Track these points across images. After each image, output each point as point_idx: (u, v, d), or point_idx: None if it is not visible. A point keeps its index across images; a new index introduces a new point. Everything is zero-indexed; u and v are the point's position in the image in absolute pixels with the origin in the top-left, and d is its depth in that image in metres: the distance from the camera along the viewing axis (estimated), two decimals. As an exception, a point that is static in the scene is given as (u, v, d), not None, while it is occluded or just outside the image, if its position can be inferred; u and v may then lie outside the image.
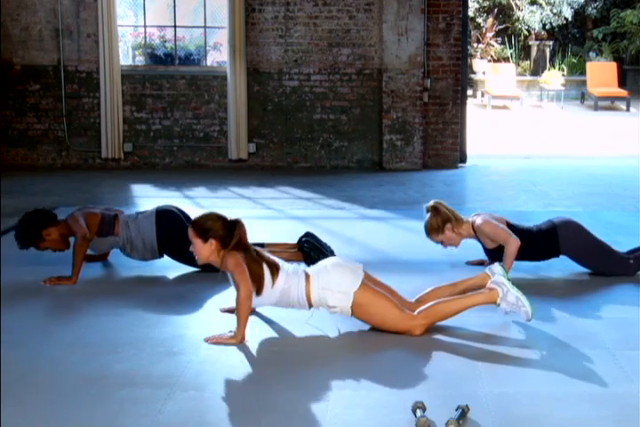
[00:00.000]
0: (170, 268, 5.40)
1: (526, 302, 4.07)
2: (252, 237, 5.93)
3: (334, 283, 4.04)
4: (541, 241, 5.12)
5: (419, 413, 3.12)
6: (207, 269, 5.19)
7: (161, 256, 5.36)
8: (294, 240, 5.48)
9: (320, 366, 3.73)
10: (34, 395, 3.40)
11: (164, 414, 3.21)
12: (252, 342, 3.99)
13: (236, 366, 3.72)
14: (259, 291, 4.05)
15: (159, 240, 5.24)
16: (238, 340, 3.97)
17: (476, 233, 5.11)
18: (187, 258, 5.06)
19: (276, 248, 5.28)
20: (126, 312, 4.66)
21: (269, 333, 4.17)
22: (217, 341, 3.97)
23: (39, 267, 5.36)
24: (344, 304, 4.05)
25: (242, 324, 3.99)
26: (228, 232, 4.08)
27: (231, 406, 3.30)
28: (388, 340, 4.03)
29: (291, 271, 4.14)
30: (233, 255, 4.04)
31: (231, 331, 4.04)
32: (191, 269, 5.32)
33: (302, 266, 4.24)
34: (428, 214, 5.11)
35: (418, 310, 4.10)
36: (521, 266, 5.20)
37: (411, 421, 3.12)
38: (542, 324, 4.24)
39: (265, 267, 4.07)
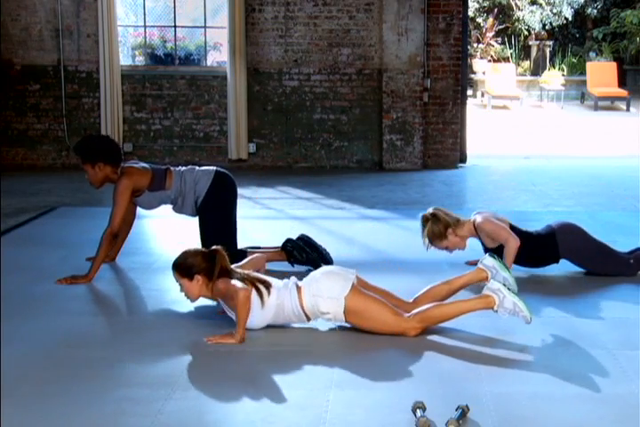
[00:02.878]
0: (170, 268, 5.39)
1: (523, 307, 4.03)
2: (251, 237, 5.95)
3: (324, 289, 4.05)
4: (540, 246, 5.11)
5: (419, 413, 3.12)
6: None
7: (196, 213, 5.29)
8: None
9: (320, 366, 3.73)
10: (34, 395, 3.40)
11: (164, 415, 3.21)
12: (252, 342, 3.99)
13: (236, 366, 3.72)
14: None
15: (206, 196, 5.20)
16: (238, 340, 3.96)
17: (477, 232, 5.10)
18: (215, 223, 5.13)
19: (259, 251, 5.21)
20: (126, 312, 4.66)
21: (269, 333, 4.16)
22: (217, 341, 3.97)
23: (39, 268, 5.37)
24: (336, 310, 4.05)
25: (241, 324, 3.99)
26: (210, 264, 4.11)
27: (231, 406, 3.30)
28: (388, 340, 4.03)
29: (281, 286, 4.15)
30: (223, 282, 4.07)
31: (231, 331, 4.04)
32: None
33: (292, 278, 4.22)
34: (428, 223, 5.05)
35: (413, 312, 4.09)
36: (521, 266, 5.19)
37: (411, 421, 3.12)
38: (542, 324, 4.24)
39: (252, 289, 4.06)
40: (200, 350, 3.91)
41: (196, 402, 3.33)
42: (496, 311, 4.07)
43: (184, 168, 5.33)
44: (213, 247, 4.22)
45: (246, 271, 4.22)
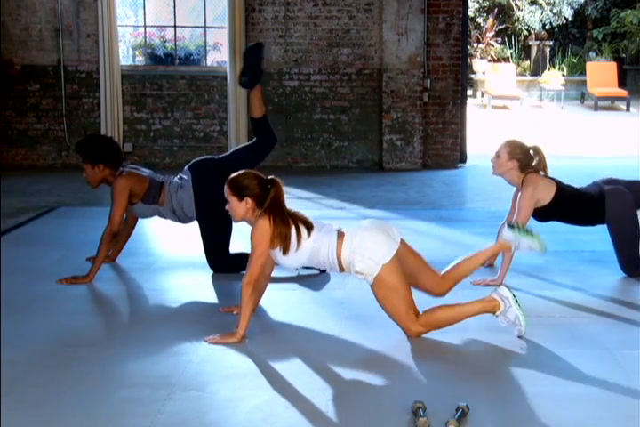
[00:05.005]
0: (170, 268, 5.40)
1: (524, 323, 4.03)
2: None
3: (367, 249, 3.95)
4: (588, 206, 5.10)
5: (419, 413, 3.12)
6: (219, 270, 5.21)
7: (196, 219, 5.29)
8: None
9: (320, 366, 3.73)
10: (34, 395, 3.40)
11: (164, 415, 3.21)
12: (252, 342, 3.99)
13: (236, 366, 3.72)
14: (285, 252, 4.01)
15: (197, 210, 5.18)
16: (238, 339, 3.96)
17: (522, 184, 5.07)
18: (213, 228, 5.14)
19: None
20: (126, 312, 4.66)
21: (269, 332, 4.16)
22: (217, 341, 3.97)
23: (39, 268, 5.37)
24: (370, 272, 3.96)
25: (243, 323, 3.97)
26: (263, 191, 4.03)
27: (231, 406, 3.30)
28: (389, 340, 4.03)
29: (323, 230, 4.05)
30: (260, 226, 3.97)
31: (231, 331, 4.03)
32: (192, 270, 5.32)
33: (336, 225, 4.12)
34: (526, 143, 5.18)
35: (421, 314, 4.07)
36: (521, 266, 5.20)
37: (411, 421, 3.12)
38: (542, 324, 4.24)
39: (293, 228, 3.99)
40: (200, 349, 3.91)
41: (196, 402, 3.33)
42: (496, 317, 4.06)
43: (173, 183, 5.22)
44: (272, 177, 4.11)
45: (294, 210, 4.12)
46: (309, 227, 4.03)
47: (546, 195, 5.03)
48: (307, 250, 4.02)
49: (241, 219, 4.13)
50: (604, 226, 5.18)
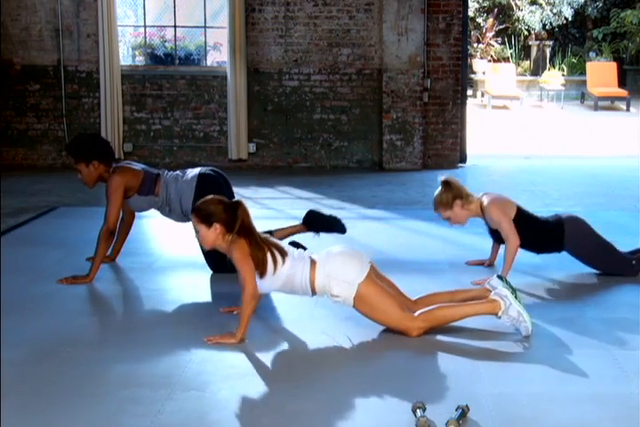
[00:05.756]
0: (170, 268, 5.40)
1: (527, 318, 4.03)
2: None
3: (340, 272, 4.02)
4: (547, 232, 5.09)
5: (419, 413, 3.12)
6: (220, 270, 5.21)
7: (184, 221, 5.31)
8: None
9: (320, 366, 3.73)
10: (34, 395, 3.40)
11: (164, 415, 3.21)
12: (252, 342, 3.99)
13: (236, 366, 3.72)
14: (261, 275, 4.03)
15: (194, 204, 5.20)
16: (238, 340, 3.96)
17: (483, 212, 5.08)
18: None
19: (284, 231, 5.29)
20: (126, 312, 4.66)
21: (269, 333, 4.16)
22: (217, 341, 3.97)
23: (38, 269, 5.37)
24: (347, 294, 4.02)
25: (244, 324, 3.98)
26: (230, 215, 4.05)
27: (231, 406, 3.30)
28: (388, 340, 4.03)
29: (296, 256, 4.10)
30: (239, 246, 4.00)
31: (231, 331, 4.03)
32: (192, 270, 5.32)
33: (308, 251, 4.21)
34: (438, 190, 5.07)
35: (419, 312, 4.09)
36: (521, 266, 5.19)
37: (411, 421, 3.12)
38: (543, 324, 4.24)
39: (268, 253, 4.03)
40: (200, 349, 3.90)
41: (196, 402, 3.33)
42: (499, 318, 4.06)
43: (172, 174, 5.27)
44: (236, 199, 4.17)
45: (265, 235, 4.18)
46: (283, 253, 4.08)
47: (509, 210, 5.02)
48: (282, 276, 4.06)
49: (212, 246, 4.16)
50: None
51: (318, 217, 5.33)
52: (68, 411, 3.24)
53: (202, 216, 4.09)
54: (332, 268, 4.04)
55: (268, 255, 4.03)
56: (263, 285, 4.06)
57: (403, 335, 4.05)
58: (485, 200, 5.07)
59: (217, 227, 4.06)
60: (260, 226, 6.50)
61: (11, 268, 5.27)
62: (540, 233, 5.08)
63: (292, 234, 5.30)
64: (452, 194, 5.02)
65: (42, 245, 5.99)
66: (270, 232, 5.27)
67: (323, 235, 5.31)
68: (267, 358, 3.82)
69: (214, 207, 4.08)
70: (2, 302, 4.51)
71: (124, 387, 3.46)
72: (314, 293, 4.12)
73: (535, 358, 3.81)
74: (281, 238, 5.06)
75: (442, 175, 5.14)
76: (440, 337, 4.06)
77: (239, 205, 4.09)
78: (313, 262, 4.08)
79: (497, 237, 5.12)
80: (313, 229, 5.31)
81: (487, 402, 3.30)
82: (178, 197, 5.19)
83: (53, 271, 5.19)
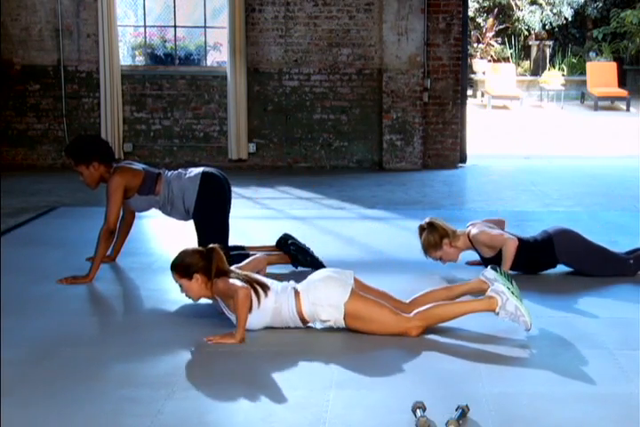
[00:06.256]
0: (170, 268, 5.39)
1: (525, 312, 4.02)
2: (251, 237, 5.95)
3: (323, 297, 4.05)
4: (538, 251, 5.10)
5: (419, 413, 3.12)
6: None
7: (191, 218, 5.29)
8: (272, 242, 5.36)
9: (320, 366, 3.73)
10: (34, 395, 3.40)
11: (164, 415, 3.21)
12: (252, 342, 3.99)
13: (236, 366, 3.72)
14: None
15: (196, 205, 5.20)
16: (238, 340, 3.96)
17: (472, 244, 5.10)
18: (211, 226, 5.16)
19: (258, 251, 5.21)
20: (126, 312, 4.66)
21: (269, 333, 4.16)
22: (217, 341, 3.97)
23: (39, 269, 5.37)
24: (336, 317, 4.05)
25: (241, 324, 3.99)
26: (208, 262, 4.13)
27: (231, 406, 3.30)
28: (388, 340, 4.03)
29: (280, 290, 4.14)
30: (224, 282, 4.08)
31: (231, 331, 4.04)
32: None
33: (291, 282, 4.22)
34: (424, 232, 5.10)
35: (415, 312, 4.09)
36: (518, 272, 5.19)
37: (411, 421, 3.12)
38: (542, 324, 4.24)
39: (250, 290, 4.06)
40: (200, 350, 3.91)
41: (196, 402, 3.33)
42: (497, 314, 4.05)
43: (174, 173, 5.30)
44: (210, 246, 4.22)
45: (245, 272, 4.23)
46: (264, 287, 4.11)
47: (496, 242, 5.02)
48: (269, 310, 4.09)
49: (199, 297, 4.22)
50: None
51: (303, 253, 5.25)
52: (67, 411, 3.24)
53: (181, 270, 4.17)
54: (315, 295, 4.06)
55: (251, 291, 4.06)
56: (252, 321, 4.07)
57: (403, 336, 4.05)
58: (473, 230, 5.10)
59: (197, 277, 4.14)
60: (260, 227, 6.52)
61: (11, 268, 5.27)
62: (532, 253, 5.09)
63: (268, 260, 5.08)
64: (439, 234, 5.07)
65: (42, 245, 5.99)
66: (242, 248, 5.27)
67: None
68: (266, 357, 3.82)
69: (190, 258, 4.17)
70: (2, 302, 4.51)
71: (124, 387, 3.46)
72: (304, 322, 4.14)
73: (535, 358, 3.81)
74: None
75: (425, 218, 5.16)
76: (440, 338, 4.07)
77: (213, 250, 4.17)
78: (297, 293, 4.11)
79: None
80: (293, 262, 5.23)
81: (487, 402, 3.30)
82: (181, 193, 5.19)
83: (53, 271, 5.19)
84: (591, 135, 13.53)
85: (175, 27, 10.11)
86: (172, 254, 5.71)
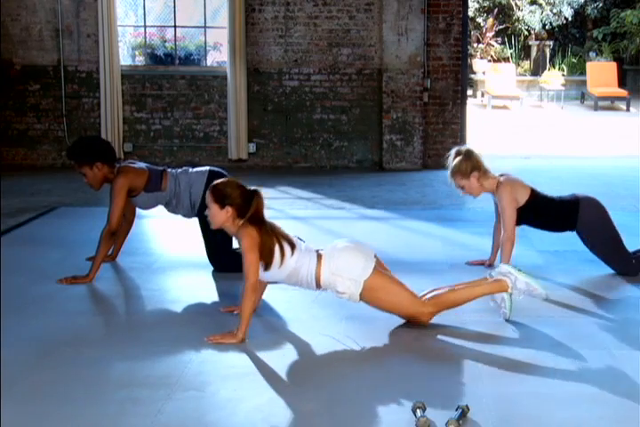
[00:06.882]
0: (170, 268, 5.40)
1: (537, 285, 4.12)
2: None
3: (345, 270, 4.02)
4: (561, 211, 5.10)
5: (419, 413, 3.12)
6: (221, 269, 5.22)
7: (196, 215, 5.28)
8: None
9: (320, 366, 3.73)
10: (34, 395, 3.40)
11: (164, 414, 3.21)
12: (252, 342, 3.99)
13: (236, 366, 3.72)
14: (267, 267, 4.03)
15: (204, 197, 5.20)
16: (239, 339, 3.96)
17: (496, 190, 5.10)
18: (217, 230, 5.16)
19: None
20: (126, 312, 4.66)
21: (269, 332, 4.16)
22: (217, 341, 3.97)
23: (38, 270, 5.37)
24: (353, 291, 4.04)
25: (244, 322, 3.97)
26: (245, 202, 4.06)
27: (230, 407, 3.30)
28: (388, 340, 4.03)
29: (304, 249, 4.10)
30: (249, 234, 3.99)
31: (231, 331, 4.03)
32: (192, 270, 5.32)
33: (314, 246, 4.18)
34: (459, 157, 5.11)
35: (427, 297, 4.13)
36: (521, 267, 5.18)
37: (411, 421, 3.12)
38: (542, 324, 4.24)
39: (277, 245, 4.02)
40: (200, 349, 3.90)
41: (196, 402, 3.33)
42: (511, 294, 4.12)
43: (179, 169, 5.33)
44: (254, 188, 4.15)
45: (277, 226, 4.15)
46: (292, 245, 4.07)
47: (520, 196, 5.05)
48: (288, 268, 4.06)
49: (219, 226, 4.16)
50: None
51: None
52: (67, 411, 3.24)
53: (217, 196, 4.08)
54: (336, 265, 4.03)
55: (277, 247, 4.02)
56: (267, 274, 4.05)
57: (403, 336, 4.05)
58: (502, 179, 5.09)
59: (229, 210, 4.06)
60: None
61: (11, 268, 5.27)
62: (555, 213, 5.11)
63: None
64: (472, 165, 5.08)
65: (42, 245, 5.99)
66: None
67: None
68: (266, 358, 3.82)
69: (231, 191, 4.09)
70: (2, 302, 4.51)
71: (124, 387, 3.46)
72: (318, 287, 4.12)
73: (535, 358, 3.81)
74: None
75: (465, 145, 5.19)
76: (440, 337, 4.07)
77: (256, 193, 4.09)
78: (319, 257, 4.07)
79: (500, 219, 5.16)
80: None
81: (487, 402, 3.30)
82: (188, 186, 5.19)
83: (53, 271, 5.19)
84: (591, 135, 13.53)
85: (175, 27, 10.11)
86: (173, 254, 5.75)
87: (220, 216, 4.08)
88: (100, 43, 9.55)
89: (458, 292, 4.17)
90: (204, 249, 5.33)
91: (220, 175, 5.29)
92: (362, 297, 4.07)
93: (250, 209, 4.04)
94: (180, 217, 5.43)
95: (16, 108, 9.84)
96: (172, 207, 5.31)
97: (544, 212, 5.06)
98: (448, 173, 5.16)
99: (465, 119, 10.05)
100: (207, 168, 5.32)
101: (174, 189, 5.21)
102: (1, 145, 9.83)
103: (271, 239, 4.02)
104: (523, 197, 5.06)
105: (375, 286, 4.03)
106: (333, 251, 4.10)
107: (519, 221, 5.09)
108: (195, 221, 5.35)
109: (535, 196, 5.09)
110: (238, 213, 4.06)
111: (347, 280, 4.02)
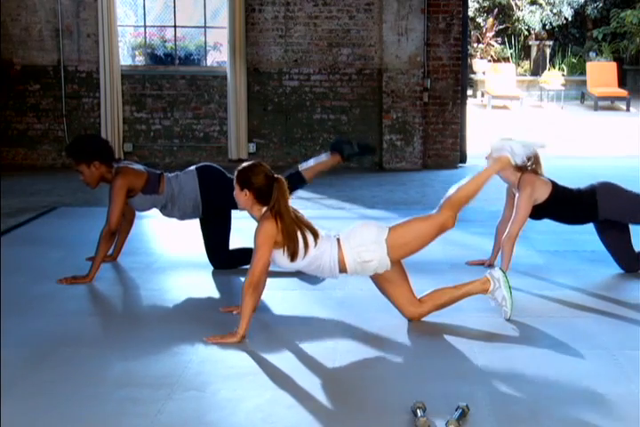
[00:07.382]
0: (170, 268, 5.40)
1: (509, 304, 4.23)
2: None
3: (364, 238, 4.07)
4: (581, 205, 5.16)
5: (419, 413, 3.12)
6: (220, 266, 5.23)
7: (202, 215, 5.28)
8: None
9: (319, 366, 3.73)
10: (34, 395, 3.40)
11: (164, 414, 3.21)
12: (252, 342, 3.99)
13: (236, 366, 3.72)
14: (293, 258, 4.03)
15: (203, 195, 5.21)
16: (238, 338, 3.96)
17: (517, 185, 5.16)
18: (216, 227, 5.24)
19: (314, 170, 5.59)
20: (126, 312, 4.66)
21: (270, 332, 4.16)
22: (217, 341, 3.97)
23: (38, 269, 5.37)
24: (380, 253, 4.06)
25: (245, 320, 3.97)
26: (265, 188, 4.05)
27: (231, 406, 3.30)
28: (388, 339, 4.03)
29: (324, 236, 4.13)
30: (265, 230, 3.98)
31: (232, 331, 4.03)
32: (192, 270, 5.32)
33: (333, 232, 4.21)
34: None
35: (420, 297, 4.25)
36: (521, 267, 5.20)
37: (411, 421, 3.12)
38: (542, 324, 4.24)
39: (300, 236, 4.03)
40: (200, 349, 3.90)
41: (195, 402, 3.33)
42: (511, 294, 4.23)
43: (171, 174, 5.32)
44: (277, 176, 4.13)
45: (300, 215, 4.15)
46: (315, 235, 4.09)
47: (541, 194, 5.10)
48: (310, 257, 4.07)
49: (243, 207, 4.19)
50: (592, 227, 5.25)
51: (345, 142, 5.64)
52: (67, 411, 3.24)
53: (240, 178, 4.11)
54: (355, 240, 4.08)
55: (300, 238, 4.03)
56: (288, 264, 4.07)
57: (402, 336, 4.05)
58: (526, 179, 5.16)
59: (247, 193, 4.08)
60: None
61: (11, 268, 5.27)
62: (574, 207, 5.17)
63: (324, 169, 5.59)
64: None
65: (42, 245, 5.99)
66: (299, 173, 5.35)
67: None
68: (267, 357, 3.82)
69: (252, 175, 4.08)
70: (2, 302, 4.51)
71: (124, 387, 3.46)
72: (342, 271, 4.12)
73: (535, 358, 3.81)
74: (311, 178, 5.45)
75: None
76: (440, 337, 4.07)
77: (277, 180, 4.08)
78: (339, 242, 4.11)
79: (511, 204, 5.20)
80: (345, 154, 5.60)
81: (487, 402, 3.30)
82: (179, 188, 5.20)
83: (53, 271, 5.19)
84: (591, 135, 13.53)
85: (175, 27, 10.11)
86: (173, 254, 5.75)
87: (240, 197, 4.13)
88: (100, 43, 9.56)
89: (447, 291, 4.28)
90: (203, 249, 5.33)
91: (209, 169, 5.31)
92: (392, 257, 4.10)
93: (271, 198, 4.03)
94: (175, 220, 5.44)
95: (16, 108, 9.84)
96: (168, 211, 5.31)
97: (567, 206, 5.14)
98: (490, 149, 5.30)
99: (465, 119, 10.06)
100: (193, 167, 5.33)
101: (170, 192, 5.21)
102: (1, 145, 9.83)
103: (294, 233, 4.01)
104: (543, 195, 5.11)
105: (397, 236, 4.10)
106: (349, 232, 4.16)
107: (541, 216, 5.16)
108: (193, 221, 5.36)
109: (557, 192, 5.14)
110: (257, 198, 4.07)
111: (370, 245, 4.06)
